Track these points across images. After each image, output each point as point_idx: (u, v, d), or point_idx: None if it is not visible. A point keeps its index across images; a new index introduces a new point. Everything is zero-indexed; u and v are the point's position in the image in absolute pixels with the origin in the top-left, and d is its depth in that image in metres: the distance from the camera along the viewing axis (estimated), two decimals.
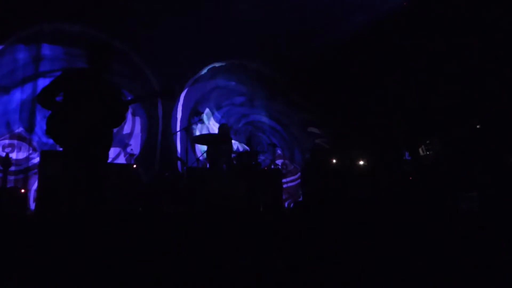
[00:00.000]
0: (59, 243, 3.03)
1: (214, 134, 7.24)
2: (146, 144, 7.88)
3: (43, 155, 5.54)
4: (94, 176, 3.42)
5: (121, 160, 7.46)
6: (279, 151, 9.10)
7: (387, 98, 7.72)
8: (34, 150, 6.81)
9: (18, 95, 6.79)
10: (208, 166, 6.97)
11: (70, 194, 3.30)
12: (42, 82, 7.04)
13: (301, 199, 8.45)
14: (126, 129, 7.71)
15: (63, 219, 3.20)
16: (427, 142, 4.23)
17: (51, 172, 5.27)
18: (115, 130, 3.85)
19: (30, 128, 6.80)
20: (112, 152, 7.47)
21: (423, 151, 4.25)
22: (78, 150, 3.35)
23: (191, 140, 6.98)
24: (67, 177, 3.39)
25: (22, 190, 5.97)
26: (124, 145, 7.61)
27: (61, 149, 3.53)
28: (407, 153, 6.47)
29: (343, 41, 8.49)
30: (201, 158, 7.15)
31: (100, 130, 3.49)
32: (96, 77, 3.54)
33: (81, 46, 7.22)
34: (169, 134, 8.05)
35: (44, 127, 3.40)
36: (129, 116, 7.79)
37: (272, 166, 7.68)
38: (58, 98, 3.50)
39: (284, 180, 8.41)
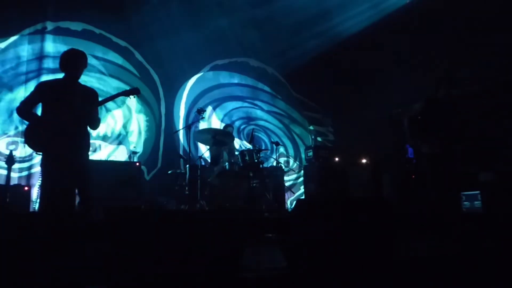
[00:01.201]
0: (61, 240, 3.05)
1: (216, 129, 7.23)
2: (149, 141, 7.89)
3: None
4: (76, 177, 3.53)
5: (124, 157, 7.47)
6: (281, 149, 9.10)
7: (390, 95, 7.70)
8: None
9: (21, 93, 6.81)
10: (210, 164, 6.97)
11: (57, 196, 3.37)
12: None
13: (303, 197, 8.45)
14: (129, 127, 7.73)
15: (64, 217, 3.22)
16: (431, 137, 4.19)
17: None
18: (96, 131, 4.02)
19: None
20: (115, 149, 7.49)
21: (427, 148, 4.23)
22: (55, 153, 3.47)
23: (194, 135, 6.98)
24: (50, 181, 3.46)
25: (26, 188, 5.99)
26: (127, 143, 7.63)
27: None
28: (410, 151, 6.45)
29: (345, 39, 8.49)
30: (203, 156, 7.16)
31: (74, 132, 3.60)
32: (72, 84, 3.69)
33: (84, 44, 7.24)
34: (172, 132, 8.07)
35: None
36: (132, 114, 7.81)
37: (275, 164, 7.68)
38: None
39: (286, 178, 8.42)
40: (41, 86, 3.71)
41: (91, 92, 3.82)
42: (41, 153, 3.57)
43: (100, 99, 3.89)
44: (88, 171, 3.66)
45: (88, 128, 3.79)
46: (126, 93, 3.90)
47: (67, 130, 3.52)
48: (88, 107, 3.68)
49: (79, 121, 3.61)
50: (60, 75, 3.80)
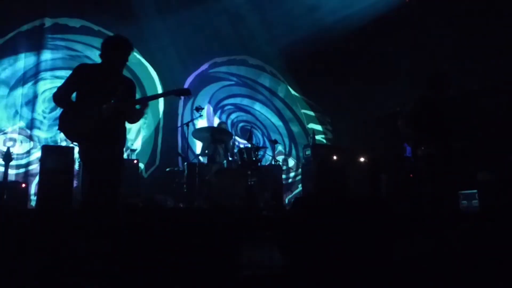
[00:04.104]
0: (59, 238, 3.04)
1: (214, 127, 7.23)
2: (147, 139, 7.88)
3: (44, 149, 5.55)
4: (110, 173, 3.28)
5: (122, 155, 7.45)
6: (279, 147, 9.10)
7: (389, 94, 7.71)
8: (35, 144, 6.81)
9: (19, 90, 6.79)
10: (208, 162, 6.97)
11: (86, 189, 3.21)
12: (43, 77, 7.05)
13: (301, 195, 8.45)
14: (128, 124, 7.69)
15: (63, 214, 3.21)
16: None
17: (52, 166, 5.29)
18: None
19: (31, 123, 6.80)
20: None
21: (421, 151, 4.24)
22: (91, 147, 3.22)
23: (192, 133, 6.97)
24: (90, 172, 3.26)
25: (23, 185, 5.97)
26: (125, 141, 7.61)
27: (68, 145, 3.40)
28: (408, 150, 6.46)
29: (344, 38, 8.48)
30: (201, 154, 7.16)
31: (115, 127, 3.37)
32: (113, 72, 3.40)
33: (82, 41, 7.22)
34: (170, 130, 8.05)
35: (52, 122, 3.31)
36: None
37: (273, 162, 7.68)
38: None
39: (284, 176, 8.43)
40: (81, 70, 3.36)
41: (131, 84, 3.55)
42: (76, 144, 3.31)
43: None
44: (121, 166, 3.45)
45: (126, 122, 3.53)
46: (177, 93, 3.61)
47: (106, 123, 3.23)
48: (130, 100, 3.42)
49: (118, 113, 3.33)
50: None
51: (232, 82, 9.23)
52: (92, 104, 3.21)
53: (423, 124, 4.24)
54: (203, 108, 6.82)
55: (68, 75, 3.40)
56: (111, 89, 3.28)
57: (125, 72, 3.68)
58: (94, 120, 3.19)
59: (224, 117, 8.85)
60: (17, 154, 6.58)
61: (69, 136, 3.31)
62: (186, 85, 8.57)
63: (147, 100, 3.67)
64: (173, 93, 3.61)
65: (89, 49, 7.39)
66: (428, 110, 4.27)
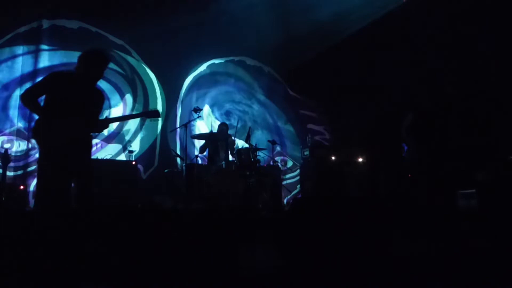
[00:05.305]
0: (58, 239, 3.03)
1: (214, 133, 7.25)
2: (146, 140, 7.87)
3: None
4: (83, 181, 3.41)
5: (121, 156, 7.45)
6: (278, 148, 9.11)
7: (388, 94, 7.73)
8: (33, 146, 6.80)
9: (17, 91, 6.78)
10: (207, 163, 6.97)
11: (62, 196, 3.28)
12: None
13: (300, 196, 8.46)
14: (126, 125, 7.70)
15: (61, 216, 3.20)
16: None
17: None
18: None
19: (29, 124, 6.78)
20: (112, 148, 7.47)
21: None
22: (65, 158, 3.31)
23: (191, 137, 6.99)
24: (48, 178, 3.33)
25: (21, 187, 5.96)
26: (123, 142, 7.61)
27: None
28: (406, 150, 6.47)
29: (342, 38, 8.50)
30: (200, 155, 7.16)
31: (87, 138, 3.54)
32: (87, 84, 3.54)
33: (80, 43, 7.21)
34: (169, 131, 8.05)
35: (31, 128, 3.38)
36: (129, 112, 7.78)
37: (271, 163, 7.68)
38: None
39: (283, 177, 8.43)
40: (54, 77, 3.45)
41: (102, 95, 3.70)
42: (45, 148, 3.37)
43: None
44: (91, 170, 3.56)
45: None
46: (147, 115, 3.84)
47: (78, 134, 3.39)
48: (98, 110, 3.60)
49: (89, 124, 3.49)
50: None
51: (231, 83, 9.23)
52: (64, 113, 3.31)
53: (420, 134, 4.34)
54: (201, 109, 6.83)
55: None
56: (85, 100, 3.44)
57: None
58: (67, 132, 3.31)
59: (223, 118, 8.85)
60: (15, 156, 6.57)
61: (48, 143, 3.33)
62: (184, 87, 8.58)
63: (114, 121, 3.96)
64: (143, 115, 3.86)
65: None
66: (424, 122, 4.38)
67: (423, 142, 4.36)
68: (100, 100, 3.65)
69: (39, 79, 3.70)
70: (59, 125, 3.29)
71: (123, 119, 4.02)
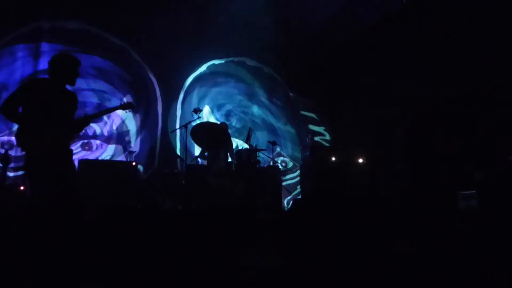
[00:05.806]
0: (57, 240, 3.03)
1: (213, 123, 7.21)
2: (146, 141, 7.88)
3: None
4: (68, 182, 3.43)
5: (121, 157, 7.45)
6: (278, 149, 9.10)
7: (387, 94, 7.72)
8: None
9: None
10: (207, 164, 6.96)
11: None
12: None
13: (300, 197, 8.45)
14: (126, 126, 7.70)
15: (60, 217, 3.20)
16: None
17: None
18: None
19: None
20: (112, 149, 7.47)
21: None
22: (48, 162, 3.35)
23: (190, 135, 6.95)
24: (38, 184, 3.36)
25: (21, 187, 5.96)
26: (123, 143, 7.61)
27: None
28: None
29: (342, 39, 8.50)
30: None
31: (67, 140, 3.58)
32: (60, 87, 3.58)
33: (80, 43, 7.22)
34: (169, 132, 8.05)
35: (15, 138, 3.39)
36: (129, 114, 7.77)
37: (271, 164, 7.68)
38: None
39: (283, 178, 8.43)
40: (30, 85, 3.50)
41: (75, 97, 3.75)
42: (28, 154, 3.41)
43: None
44: (74, 171, 3.65)
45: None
46: (121, 107, 3.98)
47: (58, 137, 3.45)
48: (74, 111, 3.68)
49: (68, 128, 3.57)
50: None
51: (231, 84, 9.23)
52: (48, 119, 3.38)
53: (421, 135, 4.35)
54: (201, 110, 6.82)
55: None
56: (60, 103, 3.50)
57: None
58: (49, 139, 3.36)
59: (223, 119, 8.85)
60: (15, 157, 6.57)
61: (31, 150, 3.35)
62: (185, 87, 8.58)
63: (93, 117, 3.88)
64: (119, 108, 3.97)
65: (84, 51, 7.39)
66: (421, 127, 4.39)
67: (422, 142, 4.36)
68: (74, 101, 3.71)
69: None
70: (39, 131, 3.35)
71: (100, 114, 4.04)
